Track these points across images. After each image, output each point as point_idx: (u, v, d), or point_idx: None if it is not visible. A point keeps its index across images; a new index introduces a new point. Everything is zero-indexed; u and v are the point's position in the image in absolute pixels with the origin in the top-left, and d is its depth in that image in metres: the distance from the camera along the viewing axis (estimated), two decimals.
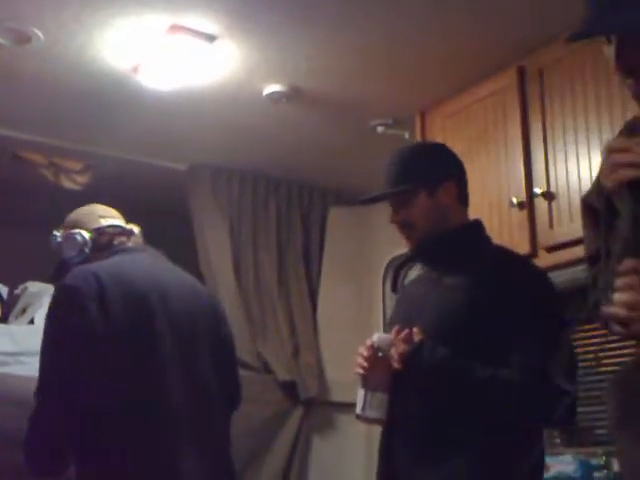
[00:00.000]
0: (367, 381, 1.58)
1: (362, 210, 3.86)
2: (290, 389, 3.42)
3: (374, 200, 1.75)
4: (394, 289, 3.97)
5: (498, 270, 1.59)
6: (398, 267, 1.82)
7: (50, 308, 1.77)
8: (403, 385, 1.56)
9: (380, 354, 1.57)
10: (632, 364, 1.13)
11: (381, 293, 3.71)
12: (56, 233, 2.05)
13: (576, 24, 1.12)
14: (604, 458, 2.42)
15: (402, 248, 3.33)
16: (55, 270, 2.07)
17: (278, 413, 3.39)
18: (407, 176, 1.66)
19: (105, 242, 1.96)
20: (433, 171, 1.67)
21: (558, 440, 2.69)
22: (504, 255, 1.70)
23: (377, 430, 1.68)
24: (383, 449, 1.65)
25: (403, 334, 1.54)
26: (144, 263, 1.89)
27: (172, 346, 1.73)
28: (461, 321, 1.55)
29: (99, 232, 1.97)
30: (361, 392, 1.60)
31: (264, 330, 3.51)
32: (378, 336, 1.60)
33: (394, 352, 1.54)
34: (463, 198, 1.72)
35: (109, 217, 2.02)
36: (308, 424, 3.47)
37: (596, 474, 2.39)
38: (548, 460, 1.94)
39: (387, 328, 1.77)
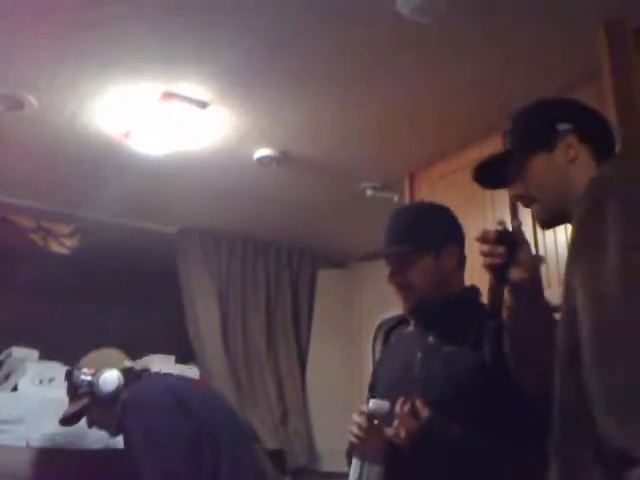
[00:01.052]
0: (363, 451, 1.49)
1: (351, 272, 3.87)
2: (278, 458, 3.33)
3: (375, 257, 1.70)
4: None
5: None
6: (388, 330, 1.78)
7: (139, 420, 2.19)
8: (403, 459, 1.46)
9: (375, 422, 1.48)
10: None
11: (371, 355, 3.67)
12: (84, 375, 2.35)
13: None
14: None
15: (392, 310, 3.35)
16: (83, 407, 2.37)
17: None
18: (413, 237, 1.61)
19: (133, 378, 2.38)
20: (439, 233, 1.63)
21: None
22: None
23: None
24: None
25: (407, 407, 1.44)
26: (172, 378, 2.49)
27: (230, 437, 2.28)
28: (470, 391, 1.48)
29: (127, 371, 2.37)
30: (357, 463, 1.50)
31: (252, 396, 3.45)
32: (374, 403, 1.50)
33: (399, 427, 1.44)
34: (462, 262, 1.67)
35: (126, 359, 2.46)
36: None
37: None
38: None
39: (372, 390, 1.70)
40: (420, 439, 1.43)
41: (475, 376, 1.49)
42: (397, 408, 1.46)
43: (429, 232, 1.62)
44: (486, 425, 1.43)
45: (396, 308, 3.26)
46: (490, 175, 1.42)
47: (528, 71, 2.27)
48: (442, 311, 1.59)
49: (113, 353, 2.46)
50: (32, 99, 2.45)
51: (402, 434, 1.44)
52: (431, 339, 1.60)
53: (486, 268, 1.27)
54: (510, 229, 1.28)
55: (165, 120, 2.57)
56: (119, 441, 2.42)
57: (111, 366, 2.36)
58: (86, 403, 2.34)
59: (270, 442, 3.33)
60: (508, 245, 1.25)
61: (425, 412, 1.44)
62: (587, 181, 1.22)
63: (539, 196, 1.34)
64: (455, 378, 1.52)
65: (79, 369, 2.36)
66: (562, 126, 1.33)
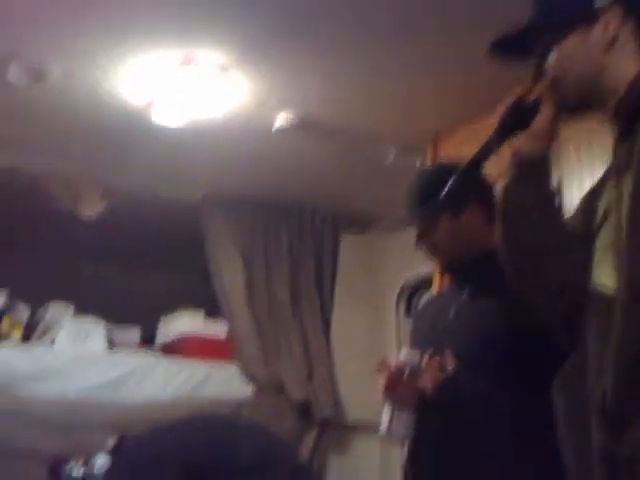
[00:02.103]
0: (393, 400, 1.54)
1: (374, 237, 3.89)
2: (304, 410, 3.43)
3: (398, 226, 1.73)
4: (408, 313, 3.95)
5: None
6: (411, 292, 1.81)
7: None
8: (432, 408, 1.51)
9: (407, 372, 1.53)
10: (570, 368, 1.11)
11: (394, 317, 3.72)
12: (75, 468, 2.12)
13: None
14: None
15: (414, 272, 3.37)
16: None
17: (292, 435, 3.38)
18: (429, 201, 1.61)
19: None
20: (454, 194, 1.65)
21: None
22: None
23: (392, 451, 1.67)
24: (408, 467, 1.63)
25: (436, 360, 1.49)
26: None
27: None
28: (499, 343, 1.52)
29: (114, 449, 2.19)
30: (387, 411, 1.55)
31: (278, 350, 3.53)
32: (406, 354, 1.55)
33: (427, 378, 1.49)
34: (490, 218, 1.62)
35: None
36: (323, 445, 3.47)
37: None
38: None
39: (407, 347, 1.74)
40: (445, 390, 1.47)
41: (507, 330, 1.51)
42: (425, 360, 1.50)
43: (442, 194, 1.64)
44: (516, 377, 1.46)
45: (418, 269, 3.28)
46: (511, 48, 1.23)
47: None
48: (473, 268, 1.61)
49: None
50: (55, 70, 2.48)
51: (428, 386, 1.48)
52: (465, 294, 1.63)
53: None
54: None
55: (186, 87, 2.58)
56: (156, 393, 2.43)
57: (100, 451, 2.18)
58: None
59: (297, 394, 3.42)
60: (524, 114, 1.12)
61: (451, 364, 1.48)
62: (631, 73, 1.05)
63: (562, 77, 1.13)
64: (487, 330, 1.55)
65: (66, 463, 2.16)
66: (601, 0, 1.10)
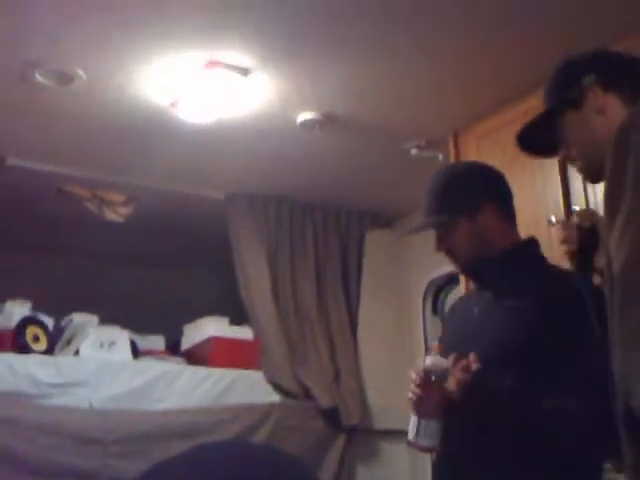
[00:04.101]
0: (420, 407, 1.50)
1: (400, 232, 3.86)
2: (332, 416, 3.38)
3: (414, 233, 1.73)
4: (435, 311, 3.93)
5: (560, 292, 1.51)
6: (438, 289, 1.79)
7: None
8: (459, 414, 1.48)
9: (433, 379, 1.49)
10: None
11: (421, 315, 3.69)
12: None
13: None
14: None
15: (441, 270, 3.34)
16: None
17: (320, 441, 3.35)
18: (444, 206, 1.61)
19: None
20: (469, 196, 1.62)
21: (608, 465, 2.61)
22: (564, 275, 1.57)
23: (421, 458, 1.65)
24: (435, 473, 1.60)
25: (461, 362, 1.46)
26: None
27: None
28: (523, 345, 1.48)
29: None
30: (414, 419, 1.51)
31: (304, 355, 3.50)
32: (432, 360, 1.51)
33: (451, 380, 1.46)
34: (508, 216, 1.65)
35: None
36: (351, 452, 3.42)
37: None
38: None
39: (433, 353, 1.73)
40: (471, 391, 1.44)
41: (534, 331, 1.48)
42: (450, 362, 1.48)
43: (459, 197, 1.62)
44: (543, 382, 1.43)
45: (445, 267, 3.27)
46: (536, 141, 1.42)
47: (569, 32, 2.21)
48: (492, 268, 1.60)
49: None
50: (81, 73, 2.50)
51: (453, 386, 1.46)
52: (487, 295, 1.61)
53: (566, 255, 1.30)
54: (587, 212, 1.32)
55: (210, 88, 2.60)
56: (182, 400, 2.41)
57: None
58: None
59: (324, 400, 3.38)
60: (587, 231, 1.24)
61: (475, 365, 1.46)
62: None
63: (578, 153, 1.34)
64: (510, 332, 1.52)
65: None
66: (586, 79, 1.29)
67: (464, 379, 1.45)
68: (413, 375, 1.53)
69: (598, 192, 2.31)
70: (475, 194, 1.64)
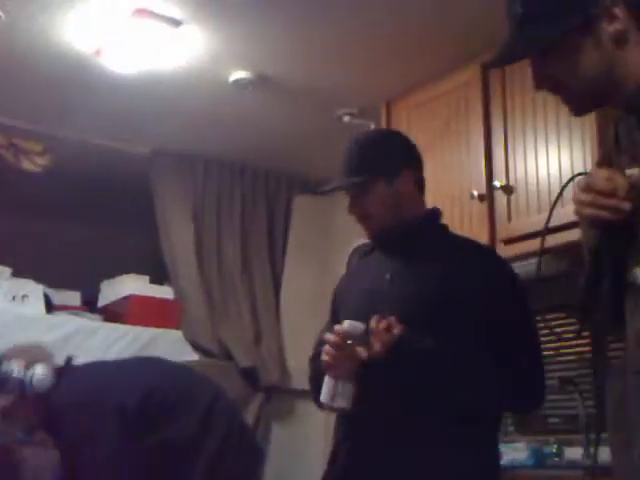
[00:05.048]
0: (336, 369, 1.52)
1: (327, 198, 3.87)
2: (250, 376, 3.41)
3: (333, 190, 1.75)
4: None
5: (470, 258, 1.61)
6: (362, 256, 1.81)
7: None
8: (377, 375, 1.51)
9: (349, 342, 1.51)
10: (619, 367, 1.11)
11: None
12: (14, 367, 2.12)
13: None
14: (556, 446, 2.49)
15: (366, 238, 3.38)
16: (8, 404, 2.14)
17: (238, 400, 3.38)
18: (365, 166, 1.63)
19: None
20: (390, 160, 1.65)
21: (511, 428, 2.75)
22: (472, 244, 1.71)
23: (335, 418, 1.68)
24: (344, 436, 1.62)
25: (384, 323, 1.49)
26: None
27: None
28: (437, 308, 1.54)
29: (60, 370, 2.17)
30: (330, 381, 1.53)
31: (226, 316, 3.50)
32: (349, 323, 1.53)
33: (375, 341, 1.48)
34: (421, 186, 1.70)
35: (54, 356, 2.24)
36: (268, 411, 3.48)
37: (549, 462, 2.46)
38: (501, 448, 1.99)
39: (335, 315, 1.73)
40: (395, 350, 1.48)
41: (444, 295, 1.55)
42: (372, 324, 1.50)
43: (379, 160, 1.64)
44: (456, 345, 1.51)
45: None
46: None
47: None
48: (404, 235, 1.64)
49: (44, 349, 2.26)
50: (0, 13, 2.35)
51: (377, 347, 1.48)
52: (398, 262, 1.64)
53: (592, 222, 1.03)
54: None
55: (137, 37, 2.50)
56: (97, 357, 2.40)
57: (42, 361, 2.15)
58: (12, 399, 2.12)
59: (243, 360, 3.40)
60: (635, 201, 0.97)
61: (398, 328, 1.49)
62: None
63: (570, 83, 1.10)
64: (423, 297, 1.57)
65: (8, 359, 2.13)
66: None
67: (389, 340, 1.48)
68: (330, 337, 1.54)
69: (519, 169, 2.38)
70: (396, 158, 1.66)
